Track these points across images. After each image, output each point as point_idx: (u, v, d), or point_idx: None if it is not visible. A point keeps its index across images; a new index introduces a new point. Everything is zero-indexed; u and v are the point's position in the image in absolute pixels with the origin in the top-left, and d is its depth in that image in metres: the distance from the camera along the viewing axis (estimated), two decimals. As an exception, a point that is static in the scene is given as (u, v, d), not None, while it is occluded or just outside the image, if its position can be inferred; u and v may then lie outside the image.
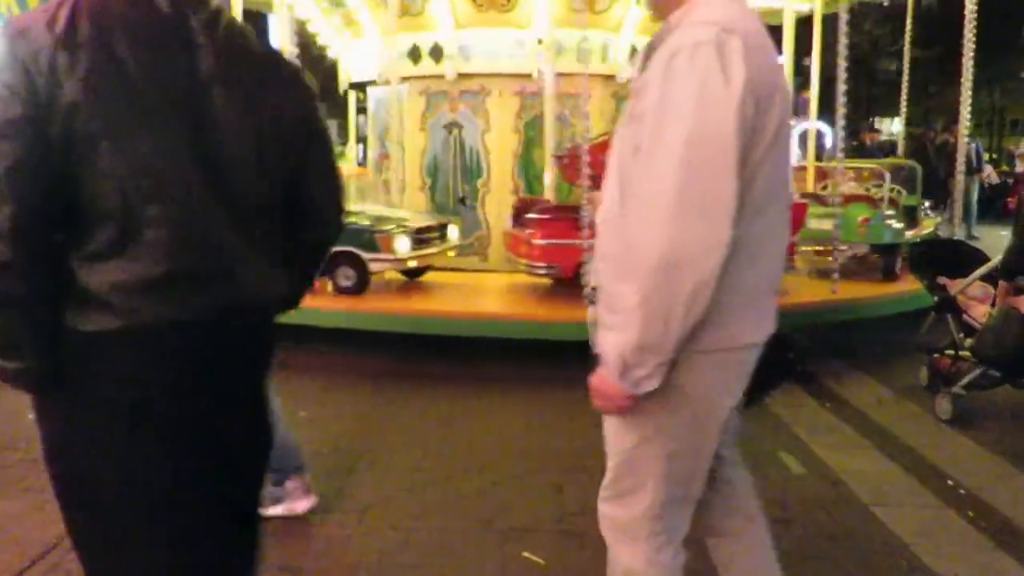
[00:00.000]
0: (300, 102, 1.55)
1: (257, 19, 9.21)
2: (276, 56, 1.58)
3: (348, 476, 3.54)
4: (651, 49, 1.60)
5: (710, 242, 1.46)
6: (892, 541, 2.98)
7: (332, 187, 1.67)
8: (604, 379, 1.60)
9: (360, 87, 8.71)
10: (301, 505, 3.09)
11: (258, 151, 1.45)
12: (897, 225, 6.55)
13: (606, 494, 1.80)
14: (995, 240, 9.47)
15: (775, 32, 9.71)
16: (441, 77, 7.10)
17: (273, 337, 1.65)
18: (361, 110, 10.43)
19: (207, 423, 1.47)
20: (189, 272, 1.38)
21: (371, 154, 8.58)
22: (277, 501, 3.00)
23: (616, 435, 1.77)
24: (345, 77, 8.59)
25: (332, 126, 14.12)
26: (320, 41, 8.92)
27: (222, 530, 1.56)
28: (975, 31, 6.33)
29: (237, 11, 7.85)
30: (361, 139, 12.36)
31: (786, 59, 8.53)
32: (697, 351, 1.58)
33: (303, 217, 1.61)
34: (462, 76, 7.07)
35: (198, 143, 1.37)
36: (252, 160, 1.44)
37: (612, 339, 1.56)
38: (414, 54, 7.22)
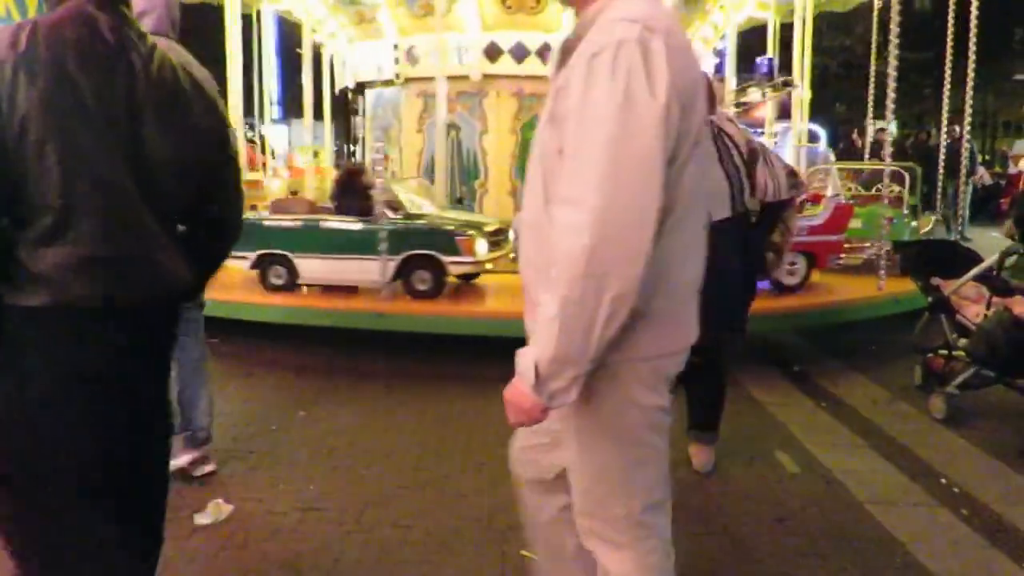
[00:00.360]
0: (215, 126, 1.86)
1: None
2: (200, 87, 1.84)
3: (347, 474, 3.56)
4: (568, 45, 1.54)
5: (635, 250, 1.40)
6: (886, 539, 3.01)
7: (235, 198, 2.01)
8: (518, 391, 1.50)
9: (359, 89, 8.71)
10: (202, 469, 3.45)
11: (179, 163, 1.74)
12: (914, 223, 7.15)
13: (581, 508, 1.72)
14: (987, 241, 9.53)
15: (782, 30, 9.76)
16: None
17: (176, 321, 1.89)
18: (355, 112, 10.45)
19: (127, 393, 1.71)
20: (118, 255, 1.64)
21: (368, 155, 8.59)
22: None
23: (577, 450, 1.68)
24: (347, 78, 8.57)
25: (332, 127, 14.19)
26: (316, 40, 8.90)
27: (136, 492, 1.78)
28: (976, 35, 6.39)
29: (235, 12, 7.88)
30: (357, 140, 12.38)
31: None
32: (638, 358, 1.56)
33: (211, 222, 1.94)
34: (457, 78, 7.10)
35: (131, 152, 1.64)
36: (174, 170, 1.73)
37: (529, 350, 1.49)
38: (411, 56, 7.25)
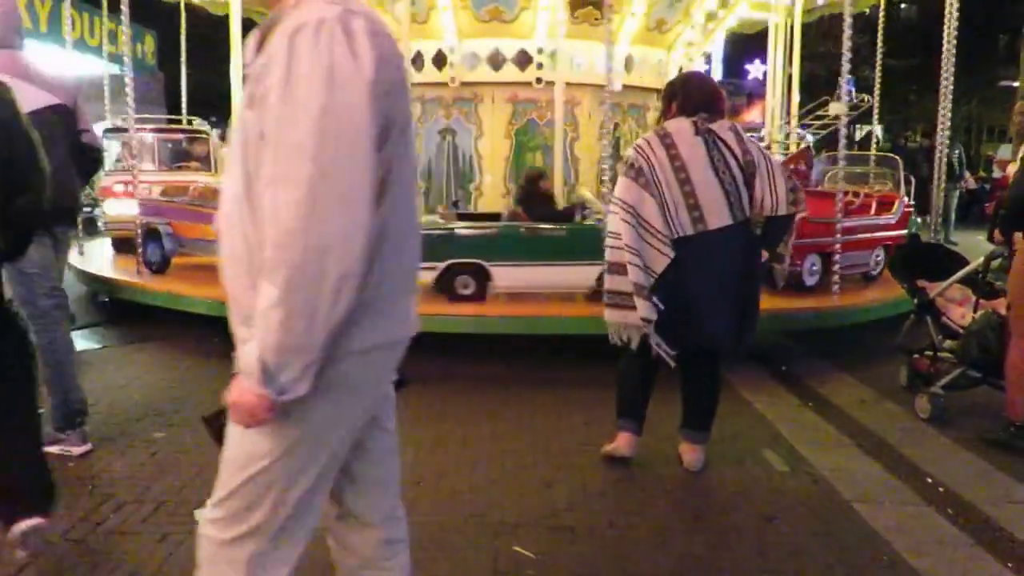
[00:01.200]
0: (7, 116, 2.51)
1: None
2: None
3: (340, 472, 3.57)
4: (265, 33, 1.48)
5: (352, 227, 1.35)
6: (873, 537, 3.04)
7: (38, 174, 2.59)
8: (244, 391, 1.40)
9: None
10: (77, 449, 3.63)
11: None
12: (917, 219, 8.02)
13: (216, 513, 1.54)
14: (972, 245, 9.63)
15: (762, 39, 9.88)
16: (437, 84, 7.16)
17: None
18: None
19: None
20: None
21: None
22: (55, 442, 3.51)
23: (244, 446, 1.51)
24: None
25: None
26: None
27: None
28: (954, 41, 6.48)
29: (236, 18, 8.00)
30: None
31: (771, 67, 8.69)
32: (353, 351, 1.47)
33: (17, 195, 2.50)
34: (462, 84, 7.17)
35: None
36: None
37: (251, 346, 1.39)
38: (416, 62, 7.29)
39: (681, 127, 3.44)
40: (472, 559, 2.82)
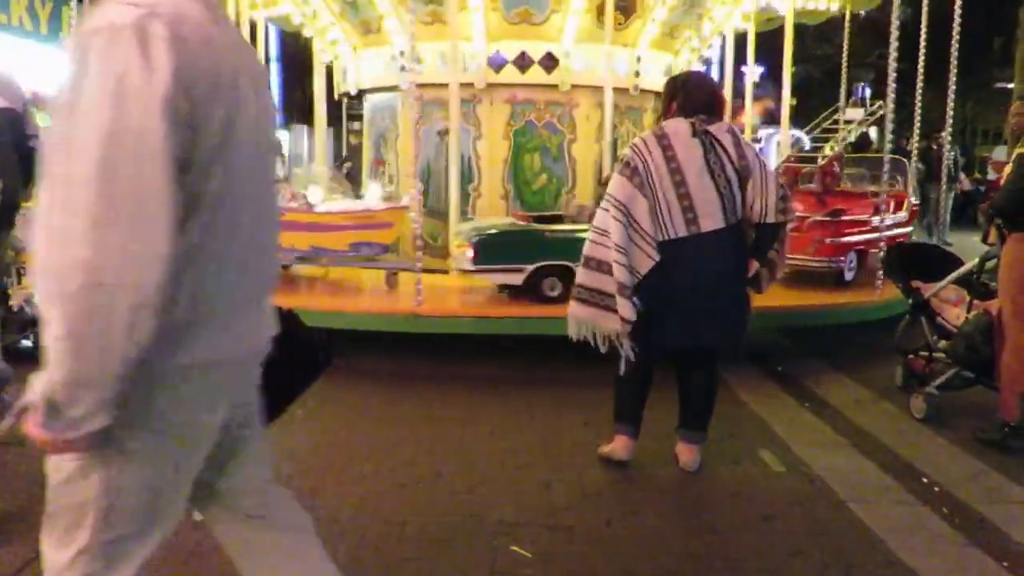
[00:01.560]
0: None
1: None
2: None
3: (343, 472, 3.59)
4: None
5: (145, 255, 1.26)
6: (868, 537, 3.06)
7: None
8: (33, 424, 1.32)
9: (358, 96, 8.76)
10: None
11: None
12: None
13: (46, 532, 1.48)
14: (967, 246, 9.65)
15: (771, 37, 9.97)
16: (436, 85, 7.17)
17: None
18: (351, 118, 10.46)
19: None
20: None
21: (366, 161, 8.65)
22: None
23: (60, 468, 1.43)
24: (348, 83, 8.56)
25: (329, 133, 14.21)
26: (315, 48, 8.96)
27: None
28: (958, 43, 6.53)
29: (244, 19, 8.00)
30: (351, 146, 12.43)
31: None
32: (164, 371, 1.40)
33: None
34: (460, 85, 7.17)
35: None
36: None
37: (41, 375, 1.29)
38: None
39: (679, 128, 3.45)
40: (470, 559, 2.84)
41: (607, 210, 3.45)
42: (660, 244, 3.38)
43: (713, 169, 3.38)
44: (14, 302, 5.10)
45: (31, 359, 1.41)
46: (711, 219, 3.38)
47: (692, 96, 3.52)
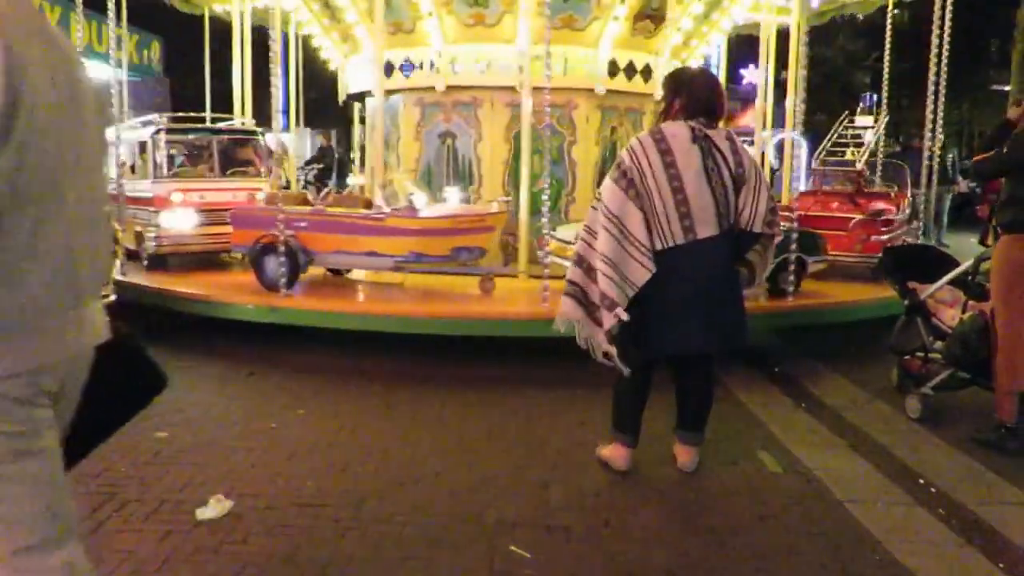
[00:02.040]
0: None
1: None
2: None
3: (343, 472, 3.61)
4: None
5: None
6: (864, 537, 3.08)
7: None
8: None
9: (359, 97, 8.80)
10: None
11: None
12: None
13: None
14: (964, 247, 9.69)
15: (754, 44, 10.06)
16: (434, 89, 7.19)
17: None
18: (362, 120, 10.48)
19: None
20: None
21: (369, 162, 8.68)
22: None
23: None
24: (343, 88, 8.69)
25: (331, 134, 14.25)
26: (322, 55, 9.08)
27: None
28: (948, 46, 6.58)
29: (247, 27, 8.02)
30: (361, 147, 12.48)
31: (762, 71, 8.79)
32: None
33: None
34: (454, 88, 7.18)
35: None
36: None
37: None
38: (407, 67, 7.32)
39: (678, 132, 3.41)
40: (469, 559, 2.85)
41: (598, 220, 3.40)
42: (657, 253, 3.34)
43: (711, 176, 3.36)
44: None
45: None
46: (707, 226, 3.37)
47: (696, 95, 3.46)
